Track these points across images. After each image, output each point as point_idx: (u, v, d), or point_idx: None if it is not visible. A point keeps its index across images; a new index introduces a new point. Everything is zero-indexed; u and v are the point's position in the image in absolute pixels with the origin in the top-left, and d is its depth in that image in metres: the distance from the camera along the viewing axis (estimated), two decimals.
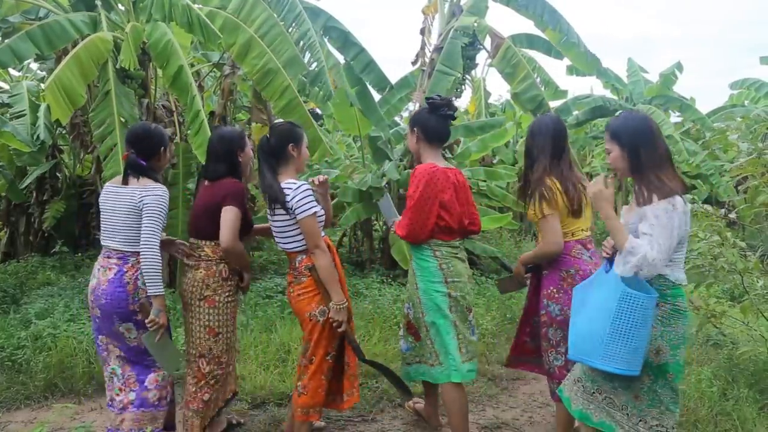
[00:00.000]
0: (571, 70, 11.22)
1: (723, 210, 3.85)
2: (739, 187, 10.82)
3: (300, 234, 2.79)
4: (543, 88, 7.58)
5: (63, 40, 5.12)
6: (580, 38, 7.30)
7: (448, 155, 7.72)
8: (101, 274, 2.85)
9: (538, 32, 7.85)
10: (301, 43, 5.96)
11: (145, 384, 2.89)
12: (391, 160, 7.58)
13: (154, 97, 5.95)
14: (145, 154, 2.93)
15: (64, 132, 8.19)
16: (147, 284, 2.76)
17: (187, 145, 6.66)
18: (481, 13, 6.95)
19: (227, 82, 6.61)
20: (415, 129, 2.97)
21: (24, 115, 7.16)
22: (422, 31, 7.41)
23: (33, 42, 4.97)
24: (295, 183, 2.78)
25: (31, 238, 8.77)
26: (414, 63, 7.45)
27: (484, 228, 7.30)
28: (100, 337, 2.93)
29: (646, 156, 2.26)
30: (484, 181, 8.29)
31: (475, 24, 6.73)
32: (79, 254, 8.26)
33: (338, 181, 7.74)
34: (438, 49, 7.05)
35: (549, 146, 2.82)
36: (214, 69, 7.46)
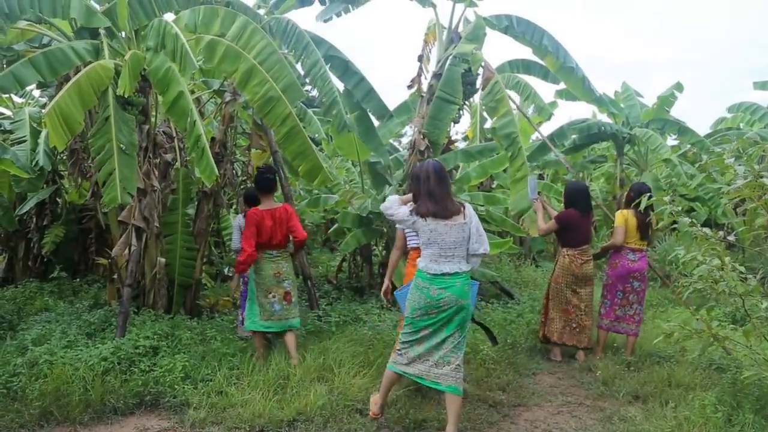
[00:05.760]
0: (561, 94, 11.32)
1: (722, 233, 3.84)
2: (738, 209, 10.84)
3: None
4: (537, 114, 7.61)
5: (65, 66, 5.16)
6: (578, 65, 7.39)
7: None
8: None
9: (535, 58, 7.94)
10: (312, 72, 6.07)
11: None
12: (390, 185, 7.60)
13: (154, 123, 5.99)
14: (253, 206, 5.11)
15: (64, 158, 8.23)
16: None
17: (187, 171, 6.68)
18: (478, 40, 6.99)
19: (227, 110, 6.65)
20: (255, 185, 5.05)
21: (25, 141, 7.18)
22: (420, 58, 7.48)
23: (35, 68, 5.02)
24: None
25: (30, 263, 8.74)
26: (410, 87, 7.54)
27: None
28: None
29: (414, 189, 3.74)
30: (482, 205, 8.29)
31: (472, 53, 6.77)
32: (78, 280, 8.22)
33: (338, 206, 7.73)
34: (437, 75, 7.10)
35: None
36: (215, 96, 7.53)
